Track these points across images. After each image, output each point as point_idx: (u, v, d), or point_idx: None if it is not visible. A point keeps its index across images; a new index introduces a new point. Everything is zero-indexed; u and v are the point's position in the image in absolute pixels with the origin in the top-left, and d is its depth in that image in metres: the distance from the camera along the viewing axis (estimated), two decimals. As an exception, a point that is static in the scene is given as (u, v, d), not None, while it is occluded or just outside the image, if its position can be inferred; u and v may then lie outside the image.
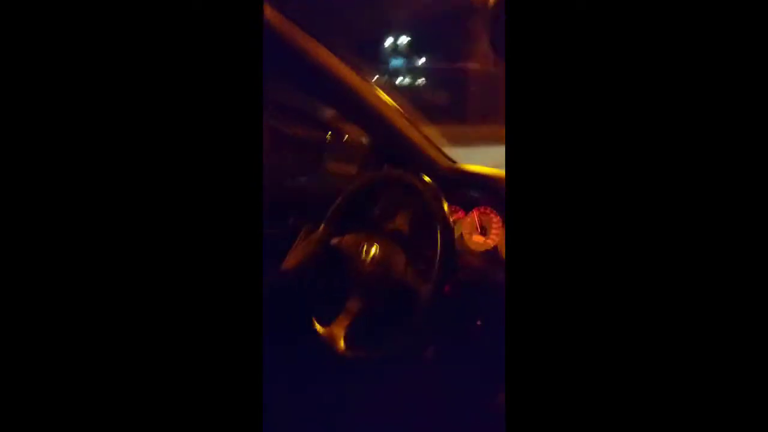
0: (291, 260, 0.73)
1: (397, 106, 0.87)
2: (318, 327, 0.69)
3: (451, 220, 0.67)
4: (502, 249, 0.84)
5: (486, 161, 1.01)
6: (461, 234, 0.89)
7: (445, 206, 0.67)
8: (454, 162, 1.01)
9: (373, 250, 0.69)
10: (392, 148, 0.93)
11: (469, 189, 0.90)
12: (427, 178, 0.85)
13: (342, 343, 0.65)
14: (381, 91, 0.83)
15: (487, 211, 0.89)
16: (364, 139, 0.96)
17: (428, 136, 0.96)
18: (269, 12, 0.56)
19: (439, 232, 0.65)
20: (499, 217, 0.87)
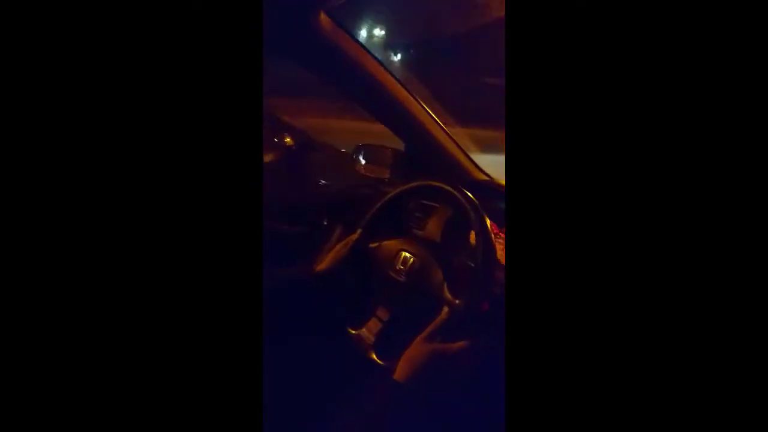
0: (324, 262, 0.74)
1: (433, 115, 0.88)
2: (350, 330, 0.70)
3: (492, 236, 0.67)
4: None
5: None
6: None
7: (488, 221, 0.66)
8: (488, 175, 1.00)
9: (410, 261, 0.69)
10: (427, 156, 0.93)
11: (500, 203, 0.89)
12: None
13: (371, 349, 0.65)
14: (418, 99, 0.84)
15: None
16: (399, 145, 0.96)
17: (463, 146, 0.96)
18: (324, 19, 0.58)
19: (480, 247, 0.64)
20: None
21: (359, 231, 0.76)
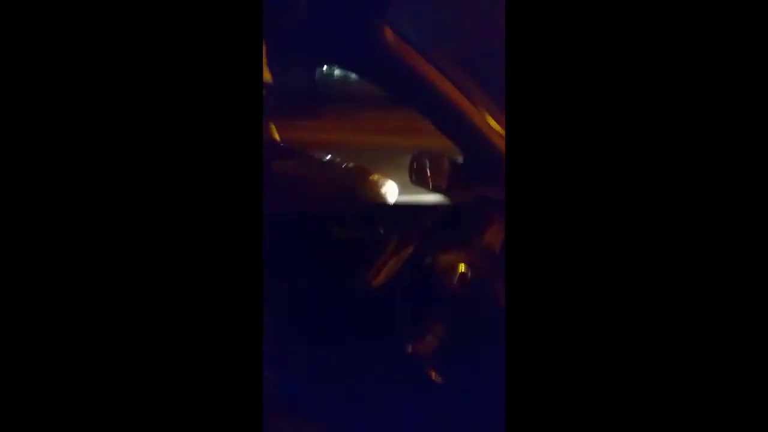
0: (380, 275, 0.74)
1: (496, 125, 0.85)
2: (407, 347, 0.70)
3: None
4: None
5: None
6: None
7: None
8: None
9: (466, 272, 0.68)
10: (485, 166, 0.91)
11: None
12: None
13: (430, 367, 0.65)
14: (479, 109, 0.82)
15: None
16: (455, 154, 0.95)
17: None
18: (388, 33, 0.59)
19: None
20: None
21: (415, 243, 0.75)
